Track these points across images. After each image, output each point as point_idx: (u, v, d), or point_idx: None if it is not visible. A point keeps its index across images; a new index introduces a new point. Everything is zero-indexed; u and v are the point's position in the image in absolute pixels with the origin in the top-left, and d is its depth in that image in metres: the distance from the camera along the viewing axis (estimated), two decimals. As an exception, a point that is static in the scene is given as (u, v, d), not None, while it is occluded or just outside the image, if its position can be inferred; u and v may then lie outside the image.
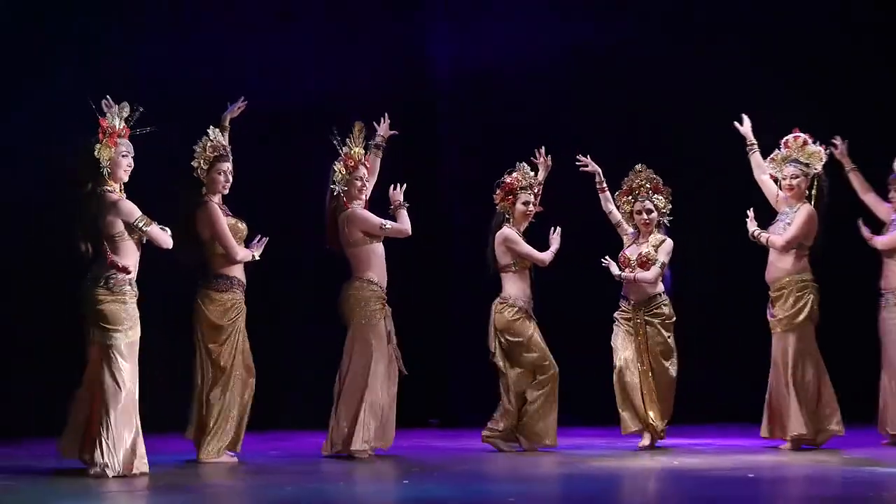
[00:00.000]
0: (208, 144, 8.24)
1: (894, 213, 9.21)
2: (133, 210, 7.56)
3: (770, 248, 8.84)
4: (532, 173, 9.01)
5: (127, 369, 7.48)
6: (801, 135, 8.87)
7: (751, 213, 8.93)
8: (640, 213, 8.97)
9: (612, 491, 7.09)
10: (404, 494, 6.96)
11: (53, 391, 8.22)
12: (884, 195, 9.28)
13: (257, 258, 8.32)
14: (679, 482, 7.40)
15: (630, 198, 9.04)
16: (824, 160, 8.89)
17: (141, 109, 7.69)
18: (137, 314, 7.58)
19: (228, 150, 8.32)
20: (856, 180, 9.35)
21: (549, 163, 9.07)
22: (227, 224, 8.21)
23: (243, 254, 8.26)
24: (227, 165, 8.28)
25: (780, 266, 8.80)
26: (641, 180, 9.01)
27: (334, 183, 8.55)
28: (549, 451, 8.78)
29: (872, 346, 9.27)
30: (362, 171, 8.60)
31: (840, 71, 11.45)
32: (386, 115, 8.83)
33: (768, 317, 8.87)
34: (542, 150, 9.07)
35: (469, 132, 11.55)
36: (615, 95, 11.48)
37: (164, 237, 7.63)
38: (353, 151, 8.57)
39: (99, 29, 10.54)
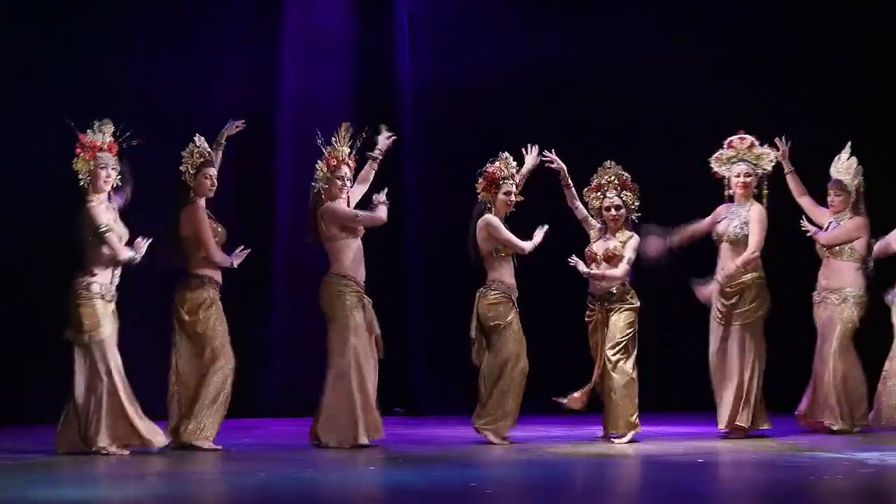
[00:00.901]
0: (195, 150, 8.53)
1: (832, 217, 9.46)
2: (97, 216, 8.09)
3: (723, 246, 9.09)
4: (514, 163, 8.97)
5: (103, 364, 8.07)
6: (748, 136, 9.14)
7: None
8: (608, 209, 8.97)
9: (564, 476, 7.37)
10: (372, 480, 7.21)
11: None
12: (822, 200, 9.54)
13: (235, 266, 8.57)
14: (630, 467, 7.73)
15: (598, 194, 9.04)
16: (774, 162, 9.18)
17: (129, 132, 8.27)
18: (104, 313, 8.10)
19: (213, 156, 8.61)
20: (793, 183, 9.54)
21: (537, 160, 9.05)
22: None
23: (221, 257, 8.52)
24: (213, 170, 8.57)
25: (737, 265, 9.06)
26: (610, 176, 9.01)
27: (316, 181, 8.74)
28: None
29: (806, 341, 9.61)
30: (344, 170, 8.70)
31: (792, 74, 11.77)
32: (384, 127, 8.93)
33: (718, 307, 9.12)
34: (535, 147, 9.08)
35: (433, 137, 11.71)
36: (578, 105, 11.72)
37: (118, 248, 8.12)
38: (337, 151, 8.70)
39: (97, 31, 10.72)
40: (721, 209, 9.23)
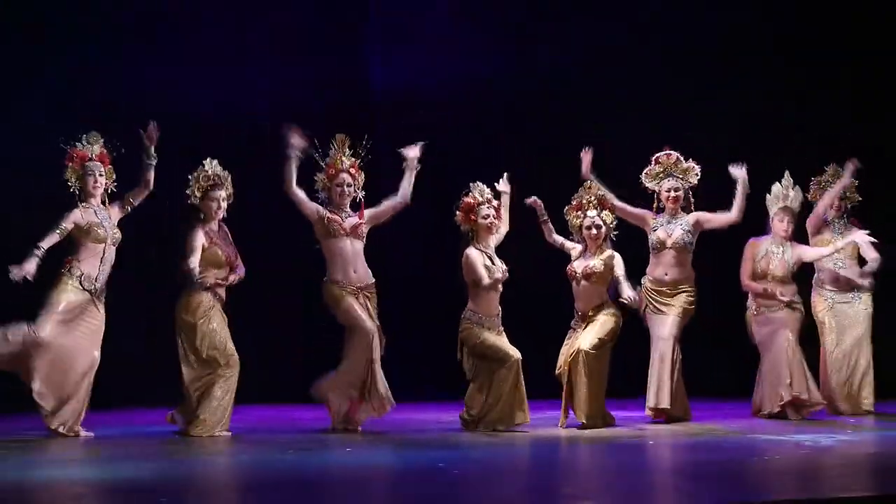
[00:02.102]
0: (202, 175, 8.96)
1: (784, 244, 9.94)
2: (66, 216, 8.78)
3: (668, 252, 9.60)
4: (487, 190, 9.20)
5: (54, 341, 8.67)
6: (673, 152, 9.70)
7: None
8: (589, 227, 9.17)
9: (524, 456, 7.87)
10: (349, 460, 7.60)
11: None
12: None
13: (197, 280, 8.82)
14: (583, 450, 8.15)
15: (579, 213, 9.26)
16: (699, 175, 9.70)
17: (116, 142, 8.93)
18: (68, 300, 8.72)
19: (224, 177, 9.00)
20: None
21: (507, 186, 9.32)
22: (206, 250, 8.86)
23: (192, 259, 8.78)
24: (221, 193, 8.95)
25: (683, 269, 9.65)
26: (590, 196, 9.27)
27: (317, 191, 9.17)
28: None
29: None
30: (343, 177, 9.06)
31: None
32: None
33: (657, 301, 9.61)
34: (504, 176, 9.33)
35: (405, 143, 11.78)
36: (536, 118, 12.14)
37: (45, 241, 8.69)
38: (336, 160, 9.08)
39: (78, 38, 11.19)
40: (648, 215, 9.71)
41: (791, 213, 9.95)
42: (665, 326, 9.59)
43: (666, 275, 9.68)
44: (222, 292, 9.02)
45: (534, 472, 7.18)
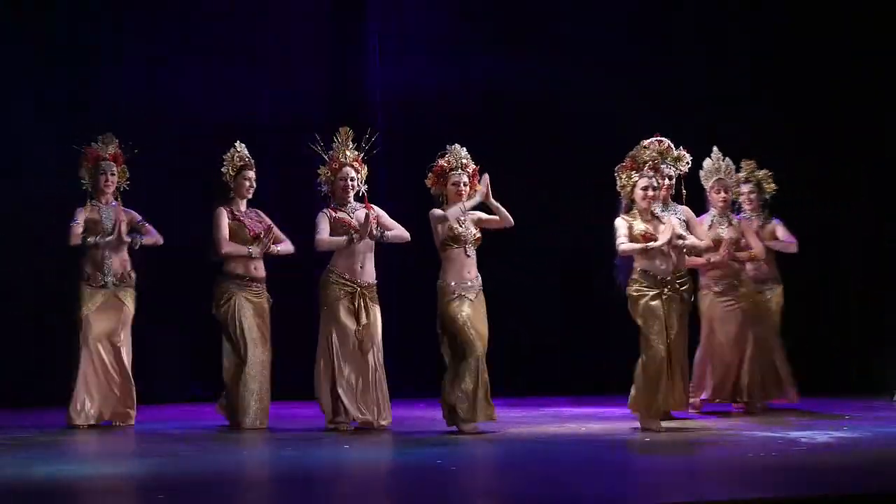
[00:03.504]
0: (235, 154, 9.18)
1: (717, 215, 10.10)
2: (75, 215, 9.14)
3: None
4: (465, 154, 8.83)
5: (83, 339, 9.07)
6: (664, 139, 9.63)
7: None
8: (646, 188, 8.75)
9: (521, 452, 7.90)
10: (347, 457, 7.68)
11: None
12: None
13: (254, 254, 9.11)
14: (568, 446, 8.17)
15: (633, 171, 8.83)
16: (690, 164, 9.72)
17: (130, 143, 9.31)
18: (87, 297, 9.11)
19: (252, 161, 9.23)
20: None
21: (484, 189, 8.70)
22: (230, 227, 9.10)
23: (228, 248, 9.07)
24: (251, 173, 9.21)
25: (680, 258, 9.37)
26: (647, 157, 8.90)
27: (319, 185, 9.20)
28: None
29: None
30: (346, 171, 9.03)
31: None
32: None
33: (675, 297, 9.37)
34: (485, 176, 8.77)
35: (401, 145, 11.83)
36: (530, 120, 12.11)
37: (71, 235, 9.11)
38: (339, 153, 9.09)
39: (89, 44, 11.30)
40: None
41: (725, 185, 10.07)
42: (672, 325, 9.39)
43: (667, 265, 9.55)
44: (246, 271, 9.15)
45: (532, 469, 7.20)
